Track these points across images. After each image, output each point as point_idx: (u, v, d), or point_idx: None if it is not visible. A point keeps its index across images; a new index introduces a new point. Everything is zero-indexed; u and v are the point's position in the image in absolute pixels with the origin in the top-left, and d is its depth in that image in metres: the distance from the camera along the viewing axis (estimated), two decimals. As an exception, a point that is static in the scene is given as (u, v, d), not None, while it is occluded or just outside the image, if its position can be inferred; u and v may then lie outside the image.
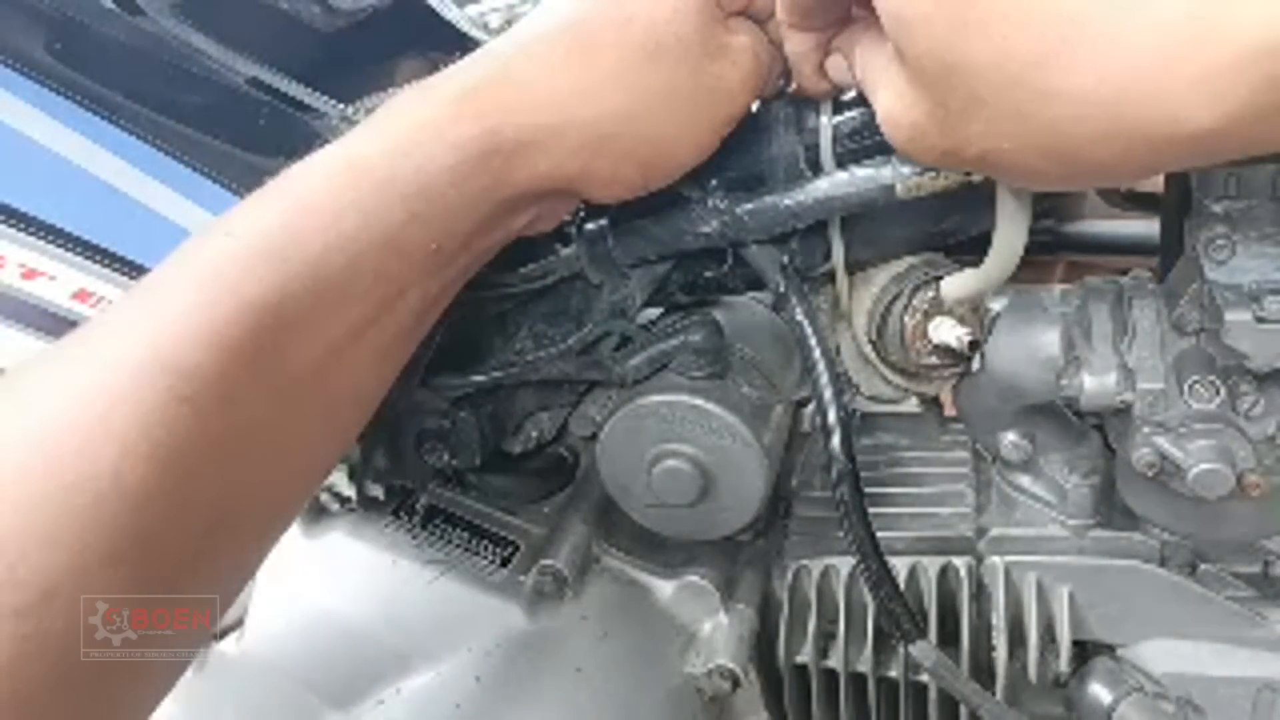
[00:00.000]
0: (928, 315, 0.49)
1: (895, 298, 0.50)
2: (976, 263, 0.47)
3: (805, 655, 0.57)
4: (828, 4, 0.38)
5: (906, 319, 0.50)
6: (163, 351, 0.32)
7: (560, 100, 0.40)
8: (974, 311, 0.50)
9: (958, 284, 0.48)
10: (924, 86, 0.32)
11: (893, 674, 0.56)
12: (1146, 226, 0.67)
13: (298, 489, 0.40)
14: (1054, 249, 0.71)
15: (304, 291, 0.35)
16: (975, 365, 0.51)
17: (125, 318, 0.34)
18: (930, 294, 0.49)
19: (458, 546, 0.59)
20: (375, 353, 0.39)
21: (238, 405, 0.33)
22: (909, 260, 0.50)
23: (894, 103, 0.34)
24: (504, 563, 0.59)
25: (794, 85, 0.46)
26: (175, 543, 0.32)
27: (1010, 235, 0.44)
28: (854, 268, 0.50)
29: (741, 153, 0.46)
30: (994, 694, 0.53)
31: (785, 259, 0.48)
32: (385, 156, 0.38)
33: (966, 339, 0.48)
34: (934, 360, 0.51)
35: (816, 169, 0.45)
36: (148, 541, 0.31)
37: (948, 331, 0.48)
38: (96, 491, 0.30)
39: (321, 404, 0.37)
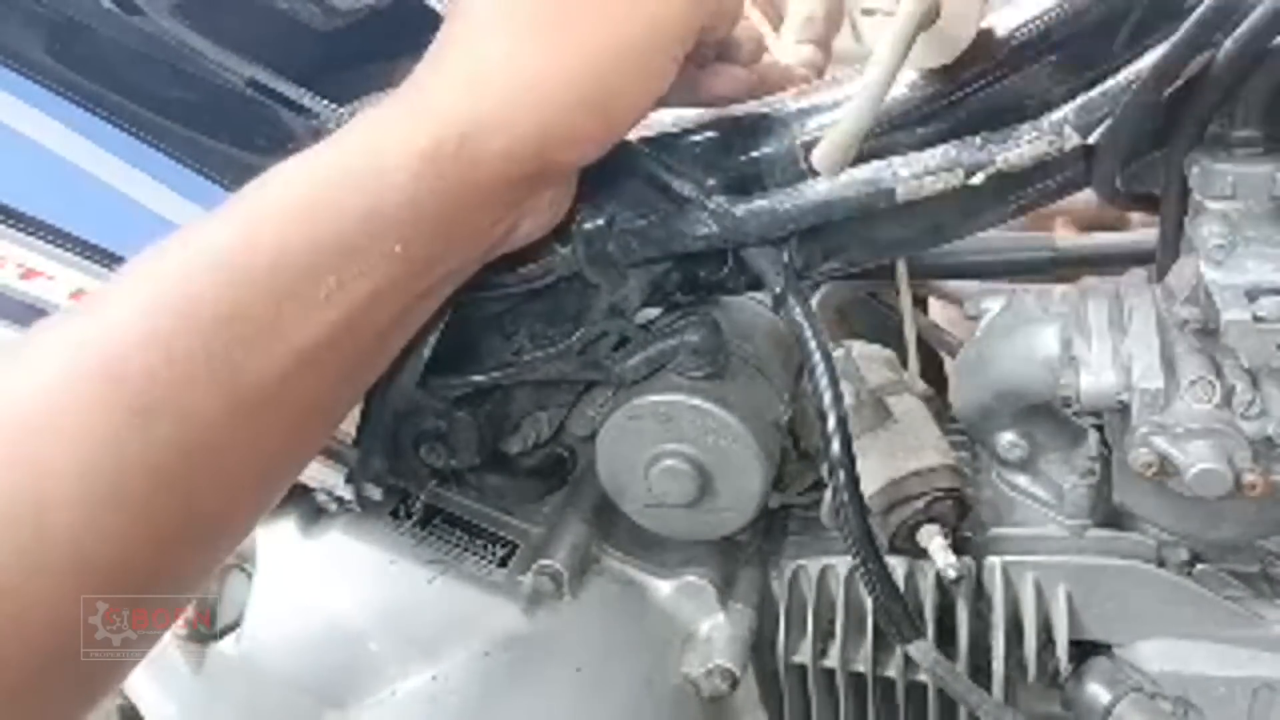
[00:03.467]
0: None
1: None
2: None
3: (803, 655, 0.57)
4: None
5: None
6: (111, 362, 0.32)
7: (495, 73, 0.39)
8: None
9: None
10: None
11: (891, 674, 0.56)
12: (1144, 236, 0.66)
13: (263, 496, 0.39)
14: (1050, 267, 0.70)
15: (260, 302, 0.35)
16: (973, 366, 0.51)
17: (76, 326, 0.34)
18: None
19: (456, 546, 0.59)
20: (344, 362, 0.38)
21: (195, 418, 0.33)
22: None
23: None
24: (502, 562, 0.58)
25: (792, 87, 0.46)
26: (134, 554, 0.32)
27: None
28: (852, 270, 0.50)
29: (740, 153, 0.46)
30: (992, 693, 0.53)
31: (785, 259, 0.48)
32: (340, 157, 0.37)
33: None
34: None
35: (816, 171, 0.45)
36: (101, 552, 0.31)
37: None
38: (39, 500, 0.30)
39: (288, 415, 0.37)
